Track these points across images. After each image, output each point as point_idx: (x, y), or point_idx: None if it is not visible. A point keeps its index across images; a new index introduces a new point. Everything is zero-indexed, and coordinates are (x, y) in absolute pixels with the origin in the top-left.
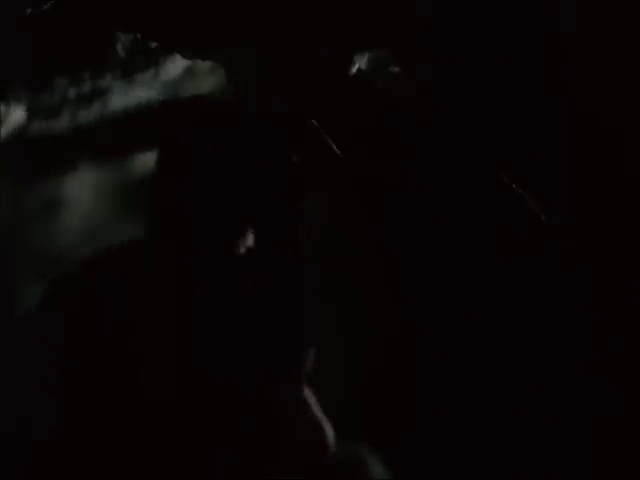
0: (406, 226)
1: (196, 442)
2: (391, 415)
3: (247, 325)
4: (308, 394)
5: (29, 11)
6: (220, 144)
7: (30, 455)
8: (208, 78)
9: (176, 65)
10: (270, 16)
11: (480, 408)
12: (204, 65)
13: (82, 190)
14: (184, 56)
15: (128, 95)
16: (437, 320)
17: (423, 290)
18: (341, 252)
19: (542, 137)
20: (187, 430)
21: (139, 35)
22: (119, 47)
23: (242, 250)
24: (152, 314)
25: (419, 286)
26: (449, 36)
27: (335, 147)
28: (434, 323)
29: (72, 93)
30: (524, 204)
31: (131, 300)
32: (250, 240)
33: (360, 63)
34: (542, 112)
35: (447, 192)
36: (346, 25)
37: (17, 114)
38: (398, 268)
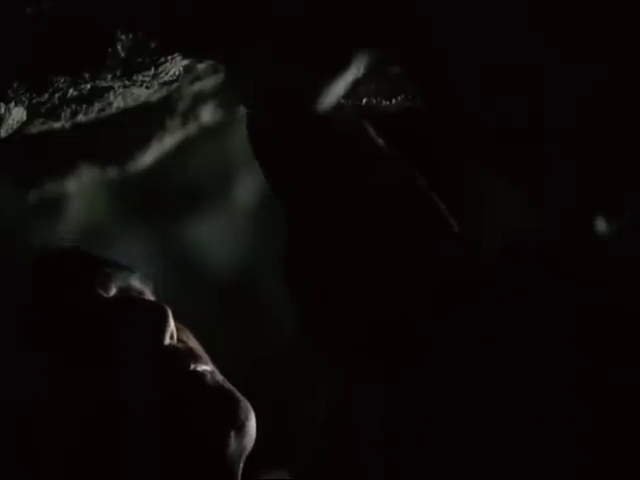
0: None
1: None
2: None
3: None
4: None
5: (29, 11)
6: None
7: None
8: (208, 78)
9: (176, 65)
10: (269, 16)
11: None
12: (204, 65)
13: (82, 190)
14: (184, 56)
15: (128, 95)
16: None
17: None
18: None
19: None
20: None
21: (139, 35)
22: (119, 47)
23: None
24: None
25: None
26: (449, 36)
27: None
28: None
29: (72, 93)
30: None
31: None
32: None
33: (359, 63)
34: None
35: (449, 189)
36: (346, 25)
37: (17, 114)
38: None
